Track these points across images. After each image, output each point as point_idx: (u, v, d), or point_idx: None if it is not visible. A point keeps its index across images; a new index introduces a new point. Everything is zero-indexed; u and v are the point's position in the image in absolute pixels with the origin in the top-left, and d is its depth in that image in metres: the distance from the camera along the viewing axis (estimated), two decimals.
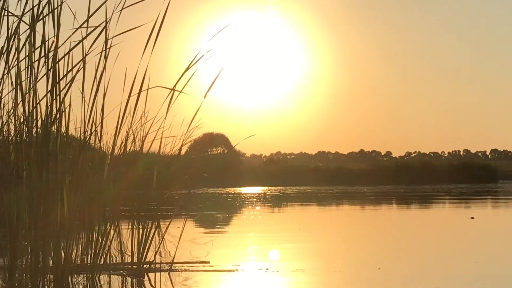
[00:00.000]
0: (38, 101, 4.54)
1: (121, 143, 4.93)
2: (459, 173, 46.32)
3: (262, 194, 25.11)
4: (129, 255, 5.16)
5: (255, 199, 20.08)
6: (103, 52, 4.62)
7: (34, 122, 4.54)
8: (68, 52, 4.57)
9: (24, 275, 4.53)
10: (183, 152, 8.08)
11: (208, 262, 5.22)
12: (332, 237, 8.26)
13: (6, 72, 4.57)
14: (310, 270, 5.02)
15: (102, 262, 4.73)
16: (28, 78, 4.54)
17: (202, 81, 4.90)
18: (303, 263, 5.42)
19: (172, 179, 7.11)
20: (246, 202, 18.01)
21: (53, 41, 4.55)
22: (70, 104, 4.61)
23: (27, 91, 4.53)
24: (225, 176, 38.95)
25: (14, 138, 4.70)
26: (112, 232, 4.85)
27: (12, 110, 4.69)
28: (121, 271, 4.77)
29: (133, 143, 6.40)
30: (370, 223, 10.64)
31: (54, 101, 4.53)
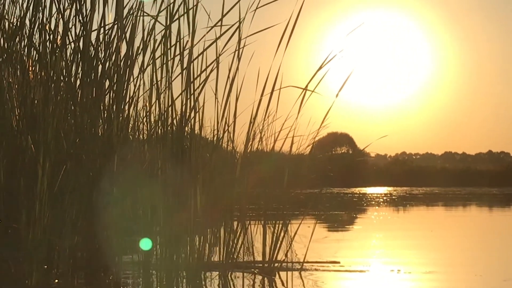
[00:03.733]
0: (173, 100, 4.62)
1: (250, 142, 4.96)
2: None
3: (388, 195, 24.87)
4: (258, 254, 5.18)
5: (381, 200, 19.89)
6: (237, 52, 4.66)
7: (169, 121, 4.63)
8: (203, 52, 4.64)
9: (158, 271, 4.61)
10: (308, 151, 8.08)
11: (339, 262, 5.19)
12: (467, 239, 8.03)
13: (142, 71, 4.67)
14: (445, 272, 4.90)
15: (233, 260, 4.77)
16: (164, 77, 4.63)
17: (328, 79, 4.87)
18: (438, 265, 5.29)
19: (299, 179, 7.11)
20: (373, 202, 17.86)
21: (188, 41, 4.63)
22: (204, 103, 4.67)
23: (163, 90, 4.62)
24: (349, 176, 38.77)
25: (148, 136, 4.80)
26: (242, 230, 4.88)
27: (145, 109, 4.79)
28: (252, 269, 4.79)
29: (260, 142, 6.44)
30: (506, 226, 10.33)
31: (189, 100, 4.60)
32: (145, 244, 4.54)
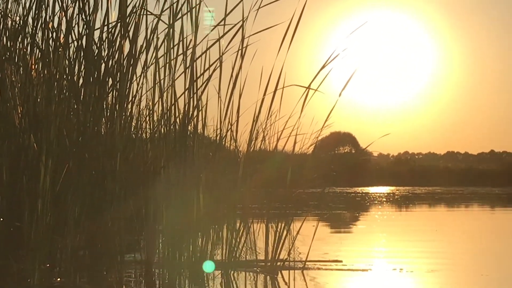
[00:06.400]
0: (176, 99, 4.62)
1: (253, 142, 4.95)
2: None
3: (391, 194, 24.85)
4: (259, 253, 5.18)
5: (384, 199, 19.88)
6: (240, 51, 4.65)
7: (172, 119, 4.63)
8: (206, 51, 4.64)
9: (161, 270, 4.62)
10: (311, 150, 8.07)
11: (341, 261, 5.18)
12: (471, 238, 8.00)
13: (145, 70, 4.67)
14: (449, 271, 4.89)
15: (235, 258, 4.77)
16: (167, 76, 4.63)
17: (331, 79, 4.87)
18: (441, 264, 5.27)
19: (302, 178, 7.11)
20: (375, 202, 17.86)
21: (191, 40, 4.62)
22: (207, 102, 4.67)
23: (166, 89, 4.62)
24: (352, 175, 38.71)
25: (151, 135, 4.80)
26: (245, 229, 4.87)
27: (149, 108, 4.79)
28: (255, 268, 4.79)
29: (263, 141, 6.43)
30: (510, 225, 10.31)
31: (192, 99, 4.60)
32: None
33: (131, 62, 4.59)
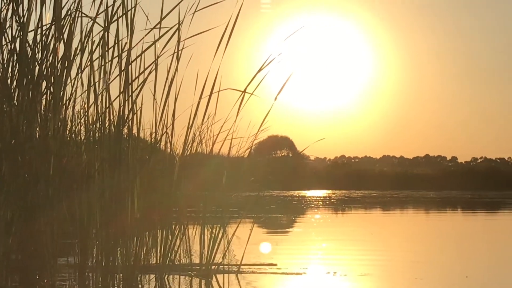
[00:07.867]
0: (111, 102, 4.59)
1: (189, 145, 4.95)
2: None
3: (327, 198, 25.03)
4: (195, 256, 5.17)
5: (320, 202, 20.01)
6: (175, 54, 4.65)
7: (107, 122, 4.60)
8: (141, 54, 4.62)
9: (94, 274, 4.58)
10: (247, 154, 8.10)
11: (276, 265, 5.21)
12: (406, 241, 8.11)
13: (79, 72, 4.63)
14: (382, 275, 4.95)
15: (170, 262, 4.76)
16: (102, 79, 4.60)
17: (268, 83, 4.90)
18: (374, 267, 5.33)
19: (239, 182, 7.12)
20: (312, 205, 17.96)
21: (126, 43, 4.60)
22: (142, 105, 4.66)
23: (100, 92, 4.59)
24: (289, 179, 38.86)
25: (86, 138, 4.76)
26: (180, 233, 4.87)
27: (84, 111, 4.75)
28: (189, 272, 4.79)
29: (200, 145, 6.43)
30: (444, 229, 10.45)
31: (126, 102, 4.58)
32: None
33: (66, 65, 4.54)
